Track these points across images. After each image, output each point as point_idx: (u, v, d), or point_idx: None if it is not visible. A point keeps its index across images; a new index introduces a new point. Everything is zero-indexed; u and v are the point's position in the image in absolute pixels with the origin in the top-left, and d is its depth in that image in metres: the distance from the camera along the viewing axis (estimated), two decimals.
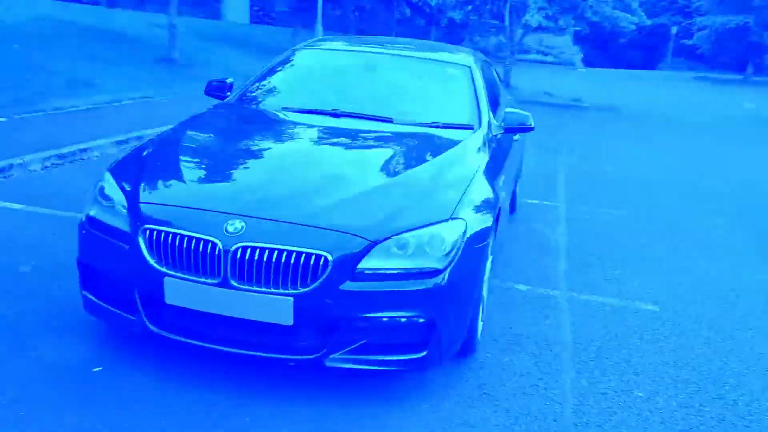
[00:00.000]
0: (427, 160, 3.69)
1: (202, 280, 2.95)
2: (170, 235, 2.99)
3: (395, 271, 2.98)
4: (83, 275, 3.36)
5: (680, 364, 3.80)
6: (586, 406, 3.28)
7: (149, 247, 3.03)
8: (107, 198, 3.31)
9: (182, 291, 2.98)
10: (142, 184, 3.27)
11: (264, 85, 4.75)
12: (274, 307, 2.91)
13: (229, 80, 4.88)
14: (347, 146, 3.97)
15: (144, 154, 3.65)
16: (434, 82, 4.79)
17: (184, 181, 3.33)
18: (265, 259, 2.89)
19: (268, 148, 3.85)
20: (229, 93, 4.80)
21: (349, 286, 2.91)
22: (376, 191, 3.28)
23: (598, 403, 3.32)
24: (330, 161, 3.68)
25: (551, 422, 3.12)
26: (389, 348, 3.06)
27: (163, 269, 2.99)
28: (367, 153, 3.90)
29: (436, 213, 3.17)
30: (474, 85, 4.68)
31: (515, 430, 3.04)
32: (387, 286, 2.96)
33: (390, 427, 2.98)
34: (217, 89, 4.83)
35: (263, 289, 2.91)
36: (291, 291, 2.89)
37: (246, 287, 2.91)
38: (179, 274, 2.97)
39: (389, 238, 2.99)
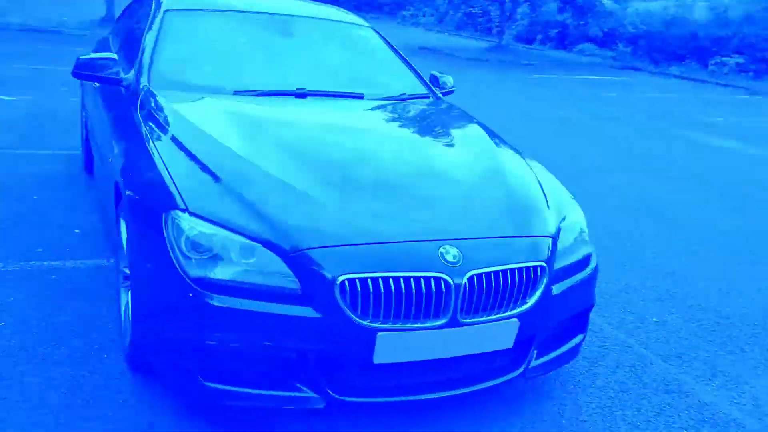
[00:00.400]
0: (475, 142, 3.54)
1: (428, 324, 2.45)
2: (380, 281, 2.37)
3: (568, 265, 2.90)
4: (207, 361, 2.42)
5: (631, 284, 4.50)
6: (644, 342, 3.73)
7: (351, 303, 2.36)
8: (204, 249, 2.40)
9: (400, 343, 2.43)
10: (277, 221, 2.47)
11: (172, 62, 3.71)
12: (500, 332, 2.61)
13: (111, 55, 3.71)
14: (397, 138, 3.51)
15: (200, 176, 2.69)
16: (355, 46, 4.42)
17: (329, 209, 2.59)
18: (493, 284, 2.53)
19: (331, 151, 3.15)
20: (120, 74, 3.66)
21: (555, 290, 2.76)
22: (501, 187, 3.04)
23: (642, 340, 3.78)
24: (410, 161, 3.19)
25: (638, 368, 3.49)
26: (564, 339, 3.00)
27: (373, 324, 2.38)
28: (428, 145, 3.53)
29: (564, 200, 3.14)
30: (391, 47, 4.47)
31: (620, 374, 3.33)
32: (571, 281, 2.88)
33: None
34: (98, 68, 3.63)
35: (491, 318, 2.56)
36: (513, 311, 2.61)
37: (473, 320, 2.52)
38: (396, 326, 2.41)
39: (559, 231, 2.89)
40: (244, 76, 3.78)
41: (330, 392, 2.46)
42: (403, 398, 2.57)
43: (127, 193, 2.80)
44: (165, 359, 2.53)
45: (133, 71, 3.64)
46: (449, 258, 2.49)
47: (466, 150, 3.40)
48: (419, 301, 2.42)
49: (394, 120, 3.75)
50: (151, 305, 2.55)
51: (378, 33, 4.55)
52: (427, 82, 4.30)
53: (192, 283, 2.37)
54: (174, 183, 2.62)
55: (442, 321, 2.46)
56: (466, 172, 3.11)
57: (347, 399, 2.48)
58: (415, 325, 2.43)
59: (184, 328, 2.42)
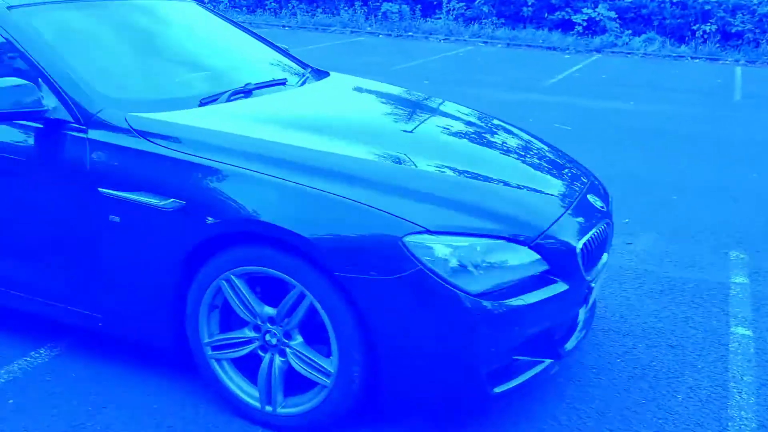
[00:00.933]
0: (437, 104, 3.78)
1: (605, 259, 2.86)
2: (590, 240, 2.68)
3: None
4: (492, 367, 2.42)
5: None
6: None
7: (583, 264, 2.60)
8: (459, 262, 2.32)
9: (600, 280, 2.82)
10: (495, 212, 2.51)
11: (100, 75, 2.88)
12: None
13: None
14: (393, 115, 3.57)
15: (382, 191, 2.44)
16: (213, 27, 3.93)
17: (494, 189, 2.70)
18: None
19: (391, 138, 3.10)
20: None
21: None
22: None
23: None
24: (438, 133, 3.31)
25: None
26: None
27: (591, 277, 2.69)
28: (419, 115, 3.60)
29: None
30: (231, 22, 4.12)
31: None
32: None
33: None
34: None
35: None
36: None
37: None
38: (593, 271, 2.74)
39: None
40: (181, 80, 3.24)
41: (559, 351, 2.67)
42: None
43: (317, 238, 2.33)
44: (445, 386, 2.40)
45: (53, 99, 2.67)
46: (598, 203, 2.89)
47: (454, 112, 3.63)
48: (599, 242, 2.77)
49: (355, 98, 3.67)
50: (424, 340, 2.32)
51: (204, 6, 4.11)
52: (292, 55, 4.12)
53: (474, 298, 2.28)
54: (379, 209, 2.34)
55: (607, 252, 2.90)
56: (477, 131, 3.44)
57: (567, 350, 2.72)
58: (602, 261, 2.81)
59: (470, 346, 2.33)
